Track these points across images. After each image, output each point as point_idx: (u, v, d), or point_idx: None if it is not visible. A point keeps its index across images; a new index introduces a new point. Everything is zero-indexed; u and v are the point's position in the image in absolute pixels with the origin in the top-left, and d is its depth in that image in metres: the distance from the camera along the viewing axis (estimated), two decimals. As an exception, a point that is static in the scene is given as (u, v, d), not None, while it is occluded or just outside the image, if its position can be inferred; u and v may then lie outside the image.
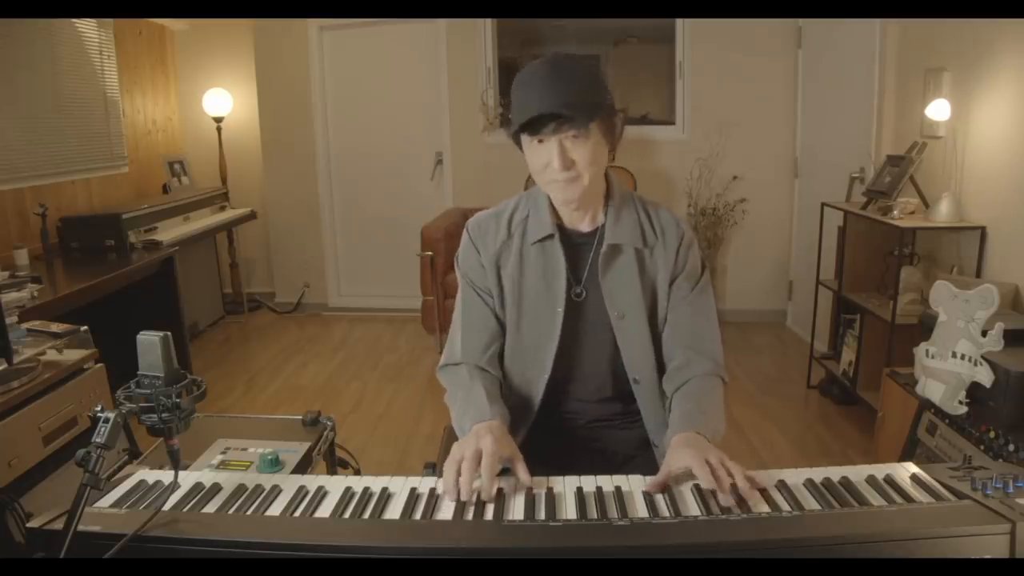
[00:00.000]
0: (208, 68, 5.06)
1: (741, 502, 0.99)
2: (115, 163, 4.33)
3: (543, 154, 1.23)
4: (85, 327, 2.10)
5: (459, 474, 1.04)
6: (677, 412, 1.27)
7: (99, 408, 0.94)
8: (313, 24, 4.84)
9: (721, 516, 0.95)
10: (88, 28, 4.05)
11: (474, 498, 1.02)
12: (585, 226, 1.37)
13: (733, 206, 4.57)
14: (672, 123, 4.71)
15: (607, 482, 1.06)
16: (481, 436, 1.12)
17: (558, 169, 1.22)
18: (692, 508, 1.00)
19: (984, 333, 2.06)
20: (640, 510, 0.99)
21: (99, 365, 2.03)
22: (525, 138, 1.25)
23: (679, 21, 4.55)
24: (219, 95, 4.88)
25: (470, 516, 0.99)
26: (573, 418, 1.44)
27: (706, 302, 1.39)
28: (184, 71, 5.13)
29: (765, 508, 0.97)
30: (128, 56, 4.47)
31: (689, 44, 4.54)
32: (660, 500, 1.01)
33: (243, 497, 1.04)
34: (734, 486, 1.00)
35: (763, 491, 1.02)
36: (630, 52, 5.69)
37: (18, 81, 3.53)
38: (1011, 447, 1.90)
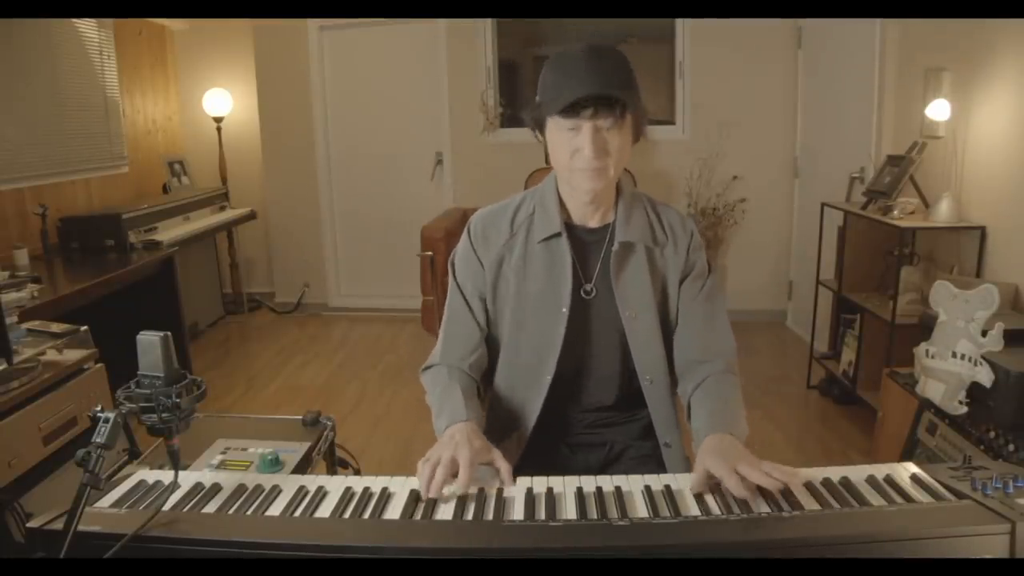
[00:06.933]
0: (208, 68, 5.06)
1: (787, 492, 0.99)
2: (115, 163, 4.33)
3: (574, 141, 1.19)
4: (85, 327, 2.10)
5: (431, 476, 1.04)
6: (703, 412, 1.26)
7: (99, 408, 0.95)
8: (313, 24, 4.84)
9: (721, 516, 0.95)
10: (88, 28, 4.05)
11: (472, 500, 1.03)
12: (594, 223, 1.34)
13: (733, 206, 4.57)
14: (672, 123, 4.71)
15: (607, 482, 1.06)
16: (459, 445, 1.10)
17: (590, 157, 1.18)
18: (692, 508, 1.00)
19: (984, 333, 2.06)
20: (640, 510, 0.99)
21: (99, 365, 2.03)
22: (555, 123, 1.20)
23: (679, 21, 4.55)
24: (219, 95, 4.88)
25: (470, 516, 0.99)
26: (575, 419, 1.42)
27: (717, 299, 1.39)
28: (184, 71, 5.13)
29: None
30: (128, 56, 4.47)
31: (689, 44, 4.55)
32: (660, 500, 1.01)
33: (243, 497, 1.04)
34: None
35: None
36: (630, 52, 5.67)
37: (18, 81, 3.53)
38: (1011, 447, 1.90)
